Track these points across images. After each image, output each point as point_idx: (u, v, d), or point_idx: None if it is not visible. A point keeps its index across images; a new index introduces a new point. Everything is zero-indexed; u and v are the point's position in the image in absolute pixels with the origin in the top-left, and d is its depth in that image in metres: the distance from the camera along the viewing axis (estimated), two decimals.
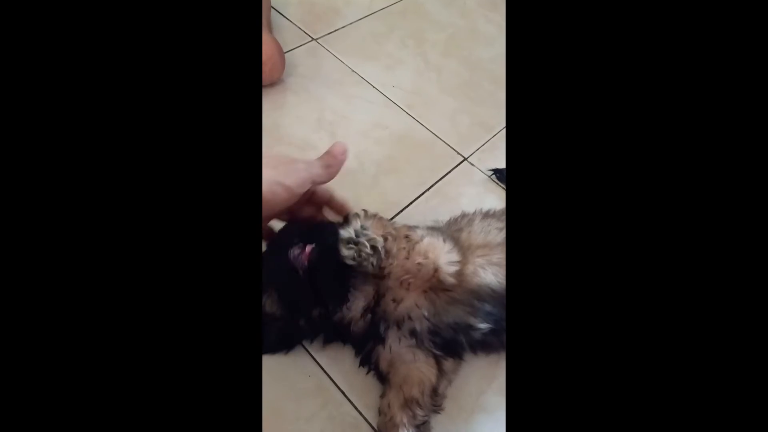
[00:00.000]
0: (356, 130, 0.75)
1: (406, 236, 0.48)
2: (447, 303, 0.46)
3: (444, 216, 0.60)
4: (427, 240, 0.48)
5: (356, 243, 0.44)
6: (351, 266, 0.44)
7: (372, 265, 0.44)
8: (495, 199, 0.69)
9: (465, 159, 0.73)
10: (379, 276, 0.46)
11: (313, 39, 0.87)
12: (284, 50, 0.77)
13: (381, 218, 0.51)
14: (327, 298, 0.46)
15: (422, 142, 0.75)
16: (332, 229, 0.47)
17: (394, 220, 0.63)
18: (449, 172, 0.71)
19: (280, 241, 0.48)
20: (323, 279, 0.45)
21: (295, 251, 0.45)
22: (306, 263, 0.44)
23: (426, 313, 0.46)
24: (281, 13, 0.91)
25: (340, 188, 0.66)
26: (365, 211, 0.51)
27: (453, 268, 0.46)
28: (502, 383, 0.51)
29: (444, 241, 0.48)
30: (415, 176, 0.70)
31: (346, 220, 0.49)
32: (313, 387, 0.50)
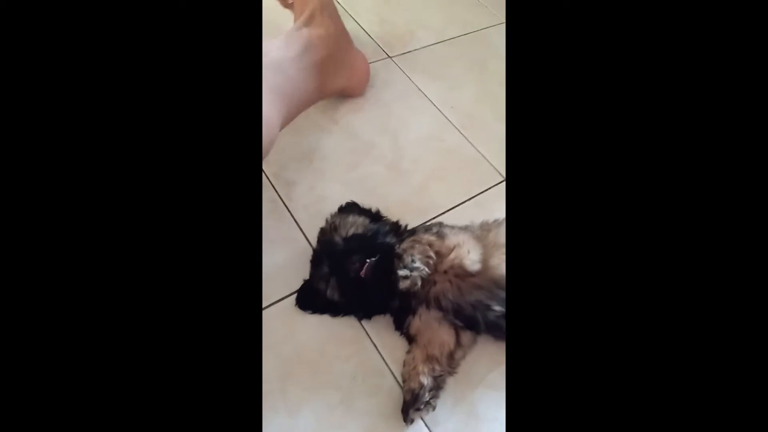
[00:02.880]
0: (414, 138, 0.89)
1: (436, 248, 0.60)
2: (471, 287, 0.59)
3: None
4: (454, 240, 0.61)
5: (409, 278, 0.58)
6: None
7: (419, 286, 0.58)
8: None
9: (504, 179, 0.86)
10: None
11: (388, 56, 1.03)
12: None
13: (421, 240, 0.62)
14: (376, 298, 0.61)
15: (469, 159, 0.88)
16: (389, 249, 0.61)
17: (435, 219, 0.77)
18: (489, 188, 0.84)
19: (344, 249, 0.63)
20: (374, 288, 0.60)
21: (355, 264, 0.60)
22: (362, 275, 0.59)
23: (451, 296, 0.59)
24: (365, 31, 1.07)
25: (394, 185, 0.81)
26: (396, 225, 0.67)
27: (475, 267, 0.59)
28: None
29: (469, 240, 0.61)
30: (458, 187, 0.83)
31: (399, 234, 0.64)
32: (352, 335, 0.64)
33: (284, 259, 0.69)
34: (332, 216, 0.68)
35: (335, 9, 0.84)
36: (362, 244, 0.63)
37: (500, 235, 0.63)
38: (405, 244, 0.61)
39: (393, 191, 0.80)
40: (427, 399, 0.56)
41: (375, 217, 0.69)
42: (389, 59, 1.02)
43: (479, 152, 0.89)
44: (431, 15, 1.15)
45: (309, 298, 0.64)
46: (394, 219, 0.71)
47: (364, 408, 0.58)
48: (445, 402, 0.59)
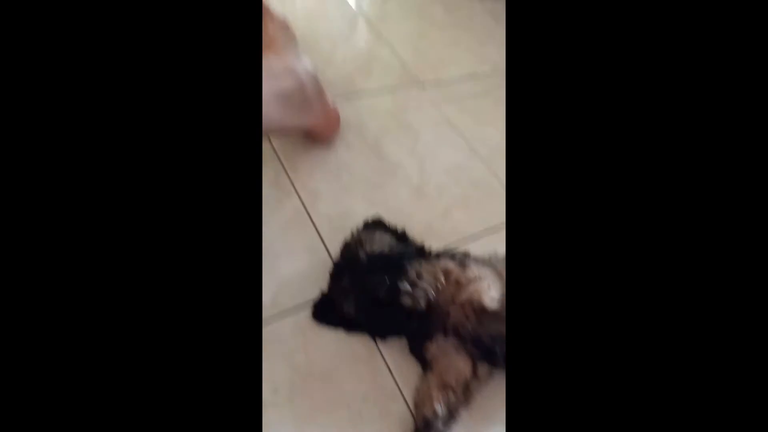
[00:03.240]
0: (441, 166, 0.90)
1: (455, 276, 0.60)
2: (490, 320, 0.58)
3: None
4: (476, 272, 0.60)
5: (411, 294, 0.57)
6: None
7: (421, 305, 0.58)
8: None
9: None
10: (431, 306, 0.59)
11: (421, 83, 1.06)
12: (397, 89, 0.96)
13: (437, 264, 0.62)
14: (394, 318, 0.60)
15: (494, 191, 0.89)
16: (400, 267, 0.61)
17: (456, 244, 0.76)
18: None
19: (368, 266, 0.62)
20: (392, 308, 0.59)
21: (377, 282, 0.59)
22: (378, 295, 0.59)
23: (470, 327, 0.58)
24: (400, 57, 1.11)
25: (417, 208, 0.81)
26: (421, 248, 0.66)
27: (494, 304, 0.58)
28: None
29: (491, 275, 0.60)
30: (482, 216, 0.83)
31: (424, 257, 0.63)
32: (366, 355, 0.62)
33: (303, 268, 0.69)
34: (358, 230, 0.68)
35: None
36: (387, 263, 0.62)
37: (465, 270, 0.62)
38: (417, 264, 0.61)
39: (416, 214, 0.80)
40: (440, 428, 0.53)
41: (401, 237, 0.69)
42: (421, 88, 1.06)
43: (504, 185, 0.90)
44: (463, 53, 1.20)
45: (326, 311, 0.63)
46: (418, 241, 0.71)
47: (374, 431, 0.56)
48: None
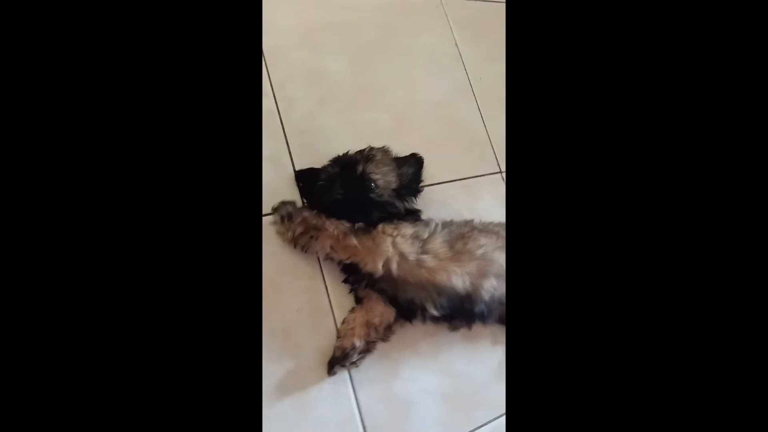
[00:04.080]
0: (431, 98, 0.86)
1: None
2: (413, 284, 0.61)
3: (455, 207, 0.75)
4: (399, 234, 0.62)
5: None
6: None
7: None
8: (503, 214, 0.83)
9: (500, 172, 0.87)
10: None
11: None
12: None
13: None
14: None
15: (476, 139, 0.87)
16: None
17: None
18: (482, 175, 0.85)
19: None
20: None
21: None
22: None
23: (388, 289, 0.62)
24: None
25: (392, 142, 0.77)
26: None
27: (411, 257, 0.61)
28: (440, 342, 0.69)
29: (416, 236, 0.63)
30: (453, 163, 0.83)
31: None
32: (309, 272, 0.66)
33: (266, 178, 0.68)
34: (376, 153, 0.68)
35: None
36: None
37: (465, 245, 0.64)
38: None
39: (392, 145, 0.78)
40: (355, 360, 0.61)
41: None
42: (440, 6, 0.95)
43: (488, 136, 0.88)
44: None
45: (307, 178, 0.67)
46: None
47: (301, 342, 0.63)
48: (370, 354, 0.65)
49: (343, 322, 0.64)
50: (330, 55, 0.80)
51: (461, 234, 0.66)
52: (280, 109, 0.73)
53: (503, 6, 1.01)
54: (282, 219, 0.63)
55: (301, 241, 0.62)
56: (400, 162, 0.69)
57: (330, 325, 0.65)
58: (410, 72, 0.86)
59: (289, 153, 0.71)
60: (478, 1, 0.99)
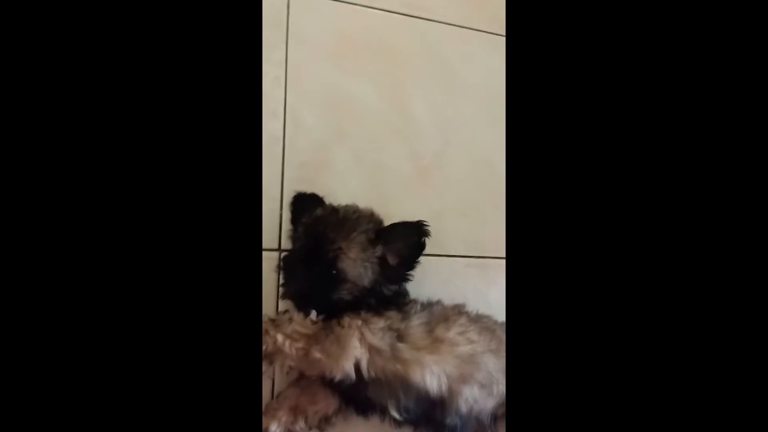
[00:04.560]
0: (468, 154, 0.74)
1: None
2: (383, 382, 0.51)
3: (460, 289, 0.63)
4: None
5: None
6: None
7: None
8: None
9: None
10: None
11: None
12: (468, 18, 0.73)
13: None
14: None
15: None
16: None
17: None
18: (495, 258, 0.72)
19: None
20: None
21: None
22: None
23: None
24: None
25: (406, 197, 0.66)
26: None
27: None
28: None
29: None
30: (476, 235, 0.71)
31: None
32: None
33: None
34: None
35: None
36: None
37: (448, 333, 0.54)
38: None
39: (403, 200, 0.68)
40: None
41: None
42: (503, 38, 0.81)
43: None
44: None
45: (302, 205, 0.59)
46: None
47: None
48: None
49: (277, 396, 0.56)
50: (358, 78, 0.70)
51: (445, 317, 0.56)
52: (286, 134, 0.65)
53: None
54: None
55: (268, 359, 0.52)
56: (392, 233, 0.56)
57: (266, 389, 0.57)
58: (451, 113, 0.74)
59: (282, 186, 0.63)
60: None
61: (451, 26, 0.78)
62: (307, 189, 0.61)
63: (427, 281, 0.63)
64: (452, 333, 0.54)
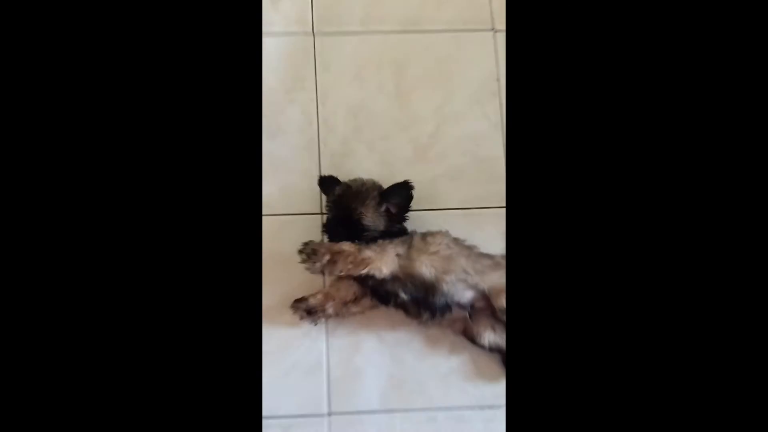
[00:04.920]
0: (456, 134, 0.96)
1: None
2: (394, 274, 0.81)
3: (453, 233, 0.89)
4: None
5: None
6: None
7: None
8: (502, 248, 0.92)
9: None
10: None
11: (494, 29, 1.00)
12: (465, 31, 0.94)
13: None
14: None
15: (494, 175, 0.95)
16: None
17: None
18: (489, 207, 0.94)
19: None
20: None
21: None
22: None
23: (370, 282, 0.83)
24: None
25: (408, 170, 0.92)
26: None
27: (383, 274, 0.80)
28: (401, 336, 0.88)
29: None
30: (462, 194, 0.94)
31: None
32: None
33: (298, 187, 0.94)
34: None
35: None
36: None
37: (430, 246, 0.82)
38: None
39: (407, 172, 0.95)
40: (306, 317, 0.85)
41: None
42: (491, 33, 1.00)
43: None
44: None
45: (327, 183, 0.90)
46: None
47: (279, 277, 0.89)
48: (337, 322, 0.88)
49: (319, 289, 0.89)
50: (370, 89, 0.98)
51: (434, 235, 0.85)
52: (320, 135, 0.96)
53: None
54: (308, 256, 0.82)
55: (327, 268, 0.82)
56: (390, 193, 0.85)
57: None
58: (444, 105, 0.98)
59: (319, 167, 0.95)
60: None
61: (441, 32, 1.00)
62: (336, 172, 0.92)
63: (427, 228, 0.90)
64: (438, 244, 0.82)
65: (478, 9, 1.01)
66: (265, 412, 0.86)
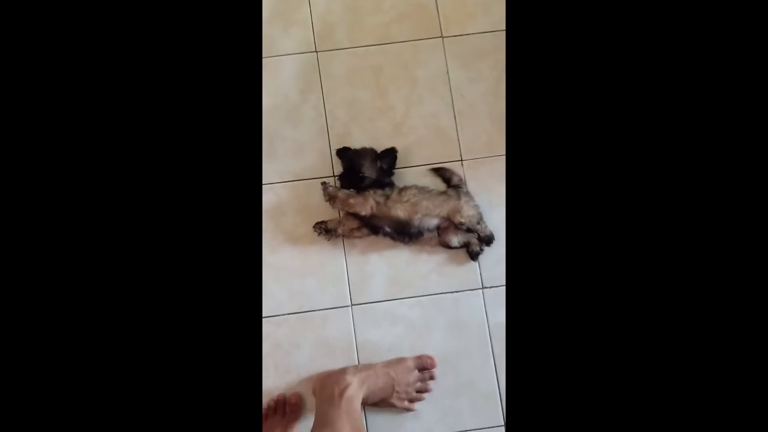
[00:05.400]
0: (422, 112, 1.40)
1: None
2: (381, 217, 1.26)
3: (422, 183, 1.33)
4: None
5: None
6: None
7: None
8: None
9: (460, 160, 1.39)
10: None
11: (441, 36, 1.43)
12: (421, 43, 1.38)
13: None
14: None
15: (447, 138, 1.39)
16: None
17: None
18: (446, 162, 1.38)
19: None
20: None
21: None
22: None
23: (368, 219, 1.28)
24: (437, 5, 1.43)
25: (389, 141, 1.37)
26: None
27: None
28: (394, 251, 1.34)
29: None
30: (428, 154, 1.38)
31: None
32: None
33: (315, 158, 1.39)
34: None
35: None
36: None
37: (405, 195, 1.27)
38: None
39: (390, 141, 1.39)
40: (329, 229, 1.31)
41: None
42: (440, 43, 1.43)
43: (457, 135, 1.40)
44: (500, 1, 1.44)
45: (342, 154, 1.33)
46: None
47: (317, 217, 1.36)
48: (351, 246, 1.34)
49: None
50: (362, 89, 1.41)
51: (406, 188, 1.30)
52: (328, 124, 1.40)
53: (491, 35, 1.43)
54: (323, 192, 1.29)
55: (331, 204, 1.29)
56: (383, 154, 1.31)
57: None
58: (410, 95, 1.41)
59: (329, 145, 1.40)
60: (469, 35, 1.44)
61: (405, 42, 1.43)
62: (342, 143, 1.36)
63: (405, 181, 1.35)
64: (409, 196, 1.27)
65: (430, 23, 1.43)
66: (307, 307, 1.32)
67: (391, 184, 1.32)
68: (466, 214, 1.22)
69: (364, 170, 1.29)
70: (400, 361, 1.20)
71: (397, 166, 1.35)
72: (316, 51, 1.42)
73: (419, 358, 1.21)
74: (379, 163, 1.31)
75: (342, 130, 1.40)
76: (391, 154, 1.32)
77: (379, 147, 1.35)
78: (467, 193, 1.28)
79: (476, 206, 1.26)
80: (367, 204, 1.26)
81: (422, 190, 1.30)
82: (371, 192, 1.27)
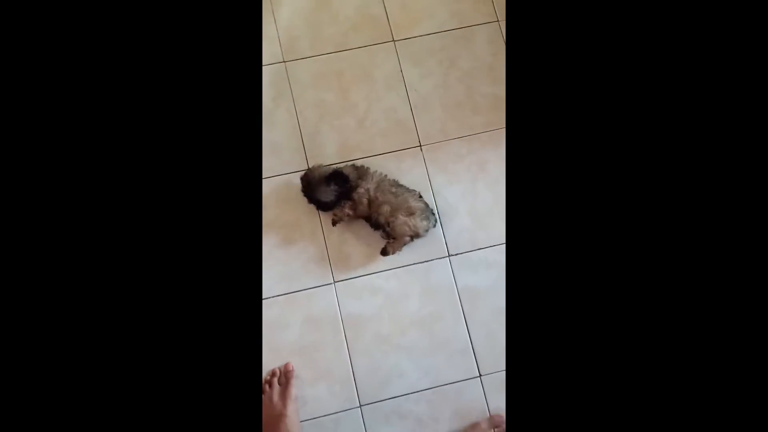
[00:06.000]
0: (381, 107, 1.59)
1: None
2: (370, 210, 1.44)
3: (387, 169, 1.51)
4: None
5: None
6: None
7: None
8: (418, 176, 1.55)
9: (419, 145, 1.57)
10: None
11: (393, 40, 1.63)
12: (377, 48, 1.57)
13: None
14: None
15: (405, 127, 1.58)
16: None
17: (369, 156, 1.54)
18: (405, 149, 1.57)
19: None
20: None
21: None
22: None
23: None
24: (386, 11, 1.64)
25: (354, 134, 1.55)
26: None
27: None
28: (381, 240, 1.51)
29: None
30: (389, 142, 1.56)
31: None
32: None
33: (285, 157, 1.55)
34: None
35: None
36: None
37: (381, 195, 1.43)
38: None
39: (353, 136, 1.56)
40: (336, 222, 1.47)
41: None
42: (393, 47, 1.63)
43: (414, 123, 1.58)
44: (441, 5, 1.65)
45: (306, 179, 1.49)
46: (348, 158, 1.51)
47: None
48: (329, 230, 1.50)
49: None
50: (327, 91, 1.60)
51: (388, 189, 1.45)
52: (299, 122, 1.57)
53: (436, 36, 1.64)
54: (337, 222, 1.42)
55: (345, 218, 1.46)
56: (330, 177, 1.38)
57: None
58: (370, 93, 1.60)
59: (303, 143, 1.56)
60: (417, 38, 1.64)
61: (361, 48, 1.62)
62: (311, 145, 1.53)
63: (374, 167, 1.52)
64: (392, 196, 1.43)
65: (382, 29, 1.63)
66: (291, 288, 1.47)
67: (355, 189, 1.46)
68: (420, 225, 1.42)
69: (320, 197, 1.44)
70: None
71: (364, 156, 1.53)
72: (284, 61, 1.59)
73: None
74: (330, 185, 1.44)
75: (312, 129, 1.57)
76: (338, 176, 1.44)
77: (345, 141, 1.52)
78: (426, 208, 1.44)
79: (429, 218, 1.44)
80: (342, 214, 1.46)
81: (396, 182, 1.48)
82: (347, 205, 1.45)
